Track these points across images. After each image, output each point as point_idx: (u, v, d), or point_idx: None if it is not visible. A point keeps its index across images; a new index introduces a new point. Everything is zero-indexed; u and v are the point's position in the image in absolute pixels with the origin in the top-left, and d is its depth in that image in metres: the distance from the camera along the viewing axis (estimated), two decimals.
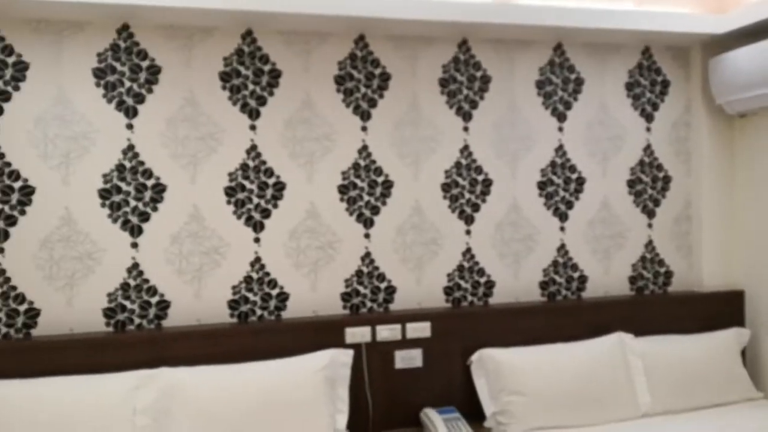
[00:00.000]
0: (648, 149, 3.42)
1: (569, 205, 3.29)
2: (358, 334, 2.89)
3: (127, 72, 2.75)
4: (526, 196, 3.23)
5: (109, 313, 2.74)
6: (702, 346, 3.08)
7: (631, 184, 3.39)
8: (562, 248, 3.29)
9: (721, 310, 3.35)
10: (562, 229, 3.28)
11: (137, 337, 2.69)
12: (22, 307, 2.66)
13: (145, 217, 2.76)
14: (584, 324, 3.17)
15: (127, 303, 2.76)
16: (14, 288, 2.65)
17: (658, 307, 3.30)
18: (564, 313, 3.18)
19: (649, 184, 3.41)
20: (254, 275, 2.89)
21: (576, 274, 3.32)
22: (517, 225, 3.22)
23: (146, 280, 2.78)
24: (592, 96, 3.32)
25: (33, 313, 2.67)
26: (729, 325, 3.31)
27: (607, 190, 3.34)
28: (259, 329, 2.81)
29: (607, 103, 3.35)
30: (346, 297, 3.01)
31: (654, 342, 3.10)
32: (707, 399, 2.99)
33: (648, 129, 3.42)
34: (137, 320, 2.78)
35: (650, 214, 3.42)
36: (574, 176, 3.29)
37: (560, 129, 3.28)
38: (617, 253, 3.37)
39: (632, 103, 3.39)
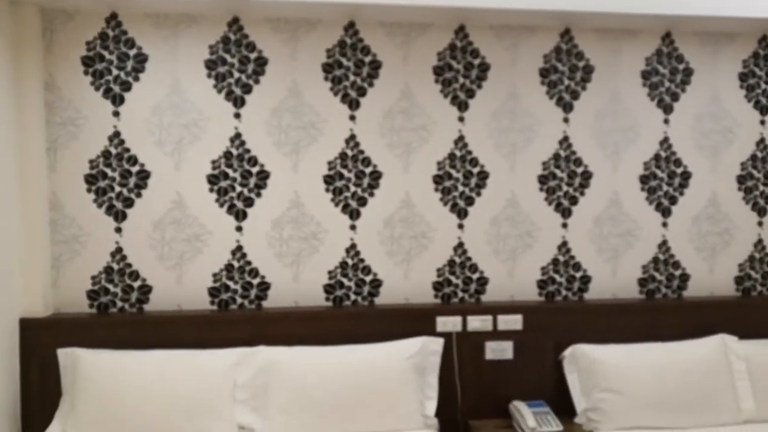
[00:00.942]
0: (762, 143, 3.22)
1: (672, 200, 3.16)
2: (449, 323, 2.91)
3: (236, 63, 2.87)
4: (627, 190, 3.13)
5: (214, 292, 2.90)
6: None
7: (741, 179, 3.20)
8: (663, 244, 3.16)
9: None
10: (664, 225, 3.16)
11: (239, 316, 2.83)
12: (136, 284, 2.85)
13: (249, 202, 2.89)
14: (686, 324, 3.04)
15: (230, 283, 2.90)
16: (130, 265, 2.85)
17: (765, 309, 3.12)
18: (664, 312, 3.06)
19: (761, 180, 3.22)
20: (349, 261, 2.96)
21: (678, 272, 3.18)
22: (617, 220, 3.12)
23: (249, 263, 2.91)
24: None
25: (146, 290, 2.86)
26: None
27: (715, 184, 3.18)
28: (353, 314, 2.89)
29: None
30: (437, 286, 3.04)
31: (759, 345, 2.94)
32: None
33: (762, 122, 3.22)
34: (239, 300, 2.92)
35: (761, 212, 3.23)
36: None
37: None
38: (723, 251, 3.21)
39: (745, 95, 3.20)
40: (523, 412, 2.80)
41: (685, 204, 3.16)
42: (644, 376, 2.79)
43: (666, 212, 3.15)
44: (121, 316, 2.81)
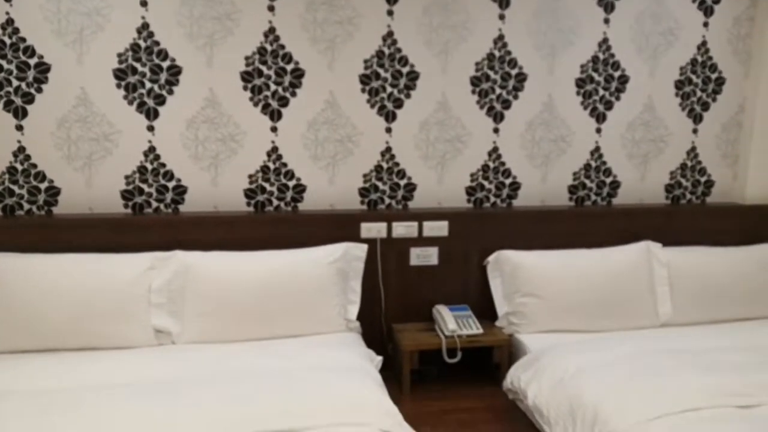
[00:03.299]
0: (703, 47, 3.11)
1: (608, 105, 3.07)
2: (373, 229, 2.85)
3: None
4: (563, 94, 3.02)
5: (127, 195, 2.77)
6: (734, 259, 2.93)
7: (679, 85, 3.12)
8: (596, 151, 3.10)
9: (761, 224, 3.16)
10: (598, 131, 3.08)
11: (154, 220, 2.72)
12: (43, 185, 2.70)
13: (160, 99, 2.71)
14: (613, 232, 3.05)
15: (144, 186, 2.77)
16: (34, 166, 2.68)
17: (694, 218, 3.13)
18: (592, 219, 3.05)
19: (699, 85, 3.14)
20: (271, 165, 2.84)
21: (609, 180, 3.15)
22: (550, 125, 3.03)
23: (163, 164, 2.76)
24: None
25: (53, 192, 2.71)
26: None
27: (652, 90, 3.09)
28: (275, 219, 2.80)
29: None
30: (364, 192, 2.95)
31: (682, 252, 2.96)
32: (732, 313, 2.88)
33: (705, 24, 3.10)
34: (155, 204, 2.80)
35: (697, 119, 3.17)
36: (616, 74, 3.04)
37: (606, 21, 3.00)
38: (656, 159, 3.17)
39: None
40: (445, 315, 2.81)
41: (621, 109, 3.08)
42: (566, 281, 2.80)
43: (600, 118, 3.07)
44: (29, 219, 2.67)
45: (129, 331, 2.50)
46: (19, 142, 2.64)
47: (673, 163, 3.19)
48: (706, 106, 3.16)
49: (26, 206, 2.70)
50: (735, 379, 2.10)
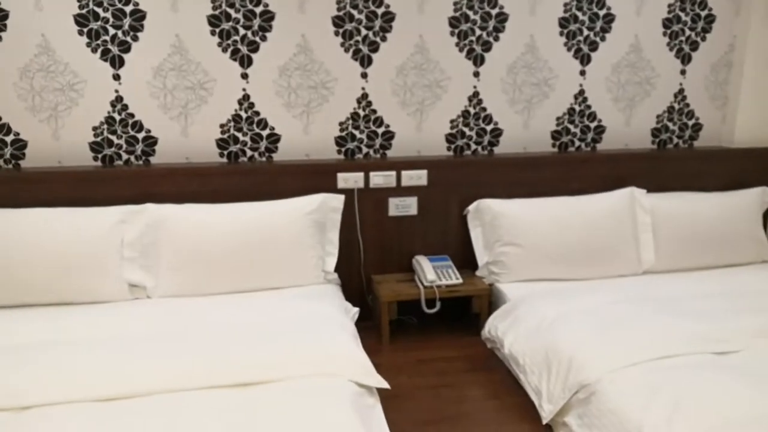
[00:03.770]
0: None
1: (593, 46, 2.95)
2: (350, 179, 2.78)
3: None
4: (545, 35, 2.90)
5: (96, 147, 2.69)
6: (720, 204, 2.87)
7: (667, 23, 2.99)
8: (580, 94, 3.01)
9: (750, 168, 3.09)
10: (582, 73, 2.98)
11: (124, 172, 2.64)
12: (9, 138, 2.62)
13: (125, 47, 2.60)
14: (597, 178, 2.98)
15: (113, 138, 2.69)
16: None
17: (680, 163, 3.05)
18: (576, 165, 2.97)
19: (688, 24, 3.01)
20: (243, 114, 2.75)
21: (593, 124, 3.06)
22: (533, 67, 2.92)
23: (131, 115, 2.67)
24: None
25: (20, 145, 2.63)
26: (757, 184, 3.07)
27: (638, 29, 2.97)
28: (249, 170, 2.72)
29: None
30: (340, 141, 2.87)
31: (667, 198, 2.89)
32: (717, 259, 2.84)
33: None
34: (125, 156, 2.72)
35: (685, 59, 3.06)
36: (602, 12, 2.92)
37: None
38: (642, 103, 3.07)
39: None
40: (424, 265, 2.77)
41: (606, 50, 2.97)
42: (547, 229, 2.75)
43: (585, 59, 2.96)
44: None
45: (102, 286, 2.46)
46: None
47: (660, 107, 3.09)
48: (695, 46, 3.04)
49: None
50: (712, 326, 2.07)
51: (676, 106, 3.10)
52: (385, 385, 1.91)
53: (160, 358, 1.89)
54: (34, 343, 2.04)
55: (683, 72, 3.06)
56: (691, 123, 3.15)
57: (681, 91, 3.09)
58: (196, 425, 1.58)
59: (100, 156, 2.70)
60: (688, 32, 3.02)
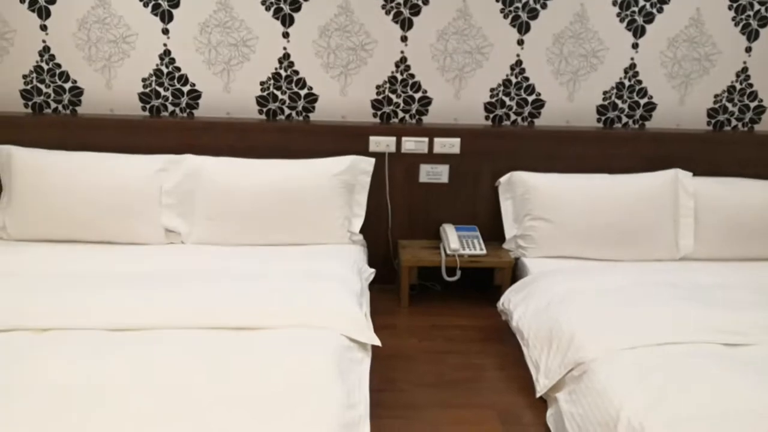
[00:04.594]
0: None
1: (649, 17, 2.79)
2: (382, 143, 2.80)
3: None
4: (597, 3, 2.77)
5: (144, 98, 2.83)
6: None
7: None
8: (631, 68, 2.86)
9: None
10: (634, 46, 2.83)
11: (168, 123, 2.78)
12: (67, 85, 2.81)
13: (174, 2, 2.70)
14: (643, 158, 2.85)
15: (160, 90, 2.82)
16: (59, 66, 2.78)
17: (737, 146, 2.87)
18: (620, 143, 2.85)
19: None
20: (282, 73, 2.81)
21: (643, 101, 2.91)
22: (581, 38, 2.81)
23: (177, 68, 2.79)
24: None
25: (77, 92, 2.82)
26: None
27: (700, 1, 2.77)
28: (284, 128, 2.80)
29: None
30: (377, 105, 2.88)
31: (714, 183, 2.73)
32: (761, 251, 2.66)
33: None
34: (171, 108, 2.85)
35: (752, 36, 2.83)
36: None
37: None
38: (699, 80, 2.89)
39: None
40: (449, 234, 2.77)
41: (663, 23, 2.79)
42: (580, 206, 2.67)
43: (638, 32, 2.80)
44: (54, 117, 2.80)
45: (141, 229, 2.63)
46: (44, 42, 2.74)
47: (720, 86, 2.89)
48: (764, 21, 2.81)
49: (53, 105, 2.83)
50: (729, 316, 1.97)
51: (738, 86, 2.90)
52: (376, 342, 1.95)
53: (171, 298, 2.02)
54: (67, 275, 2.22)
55: (748, 50, 2.85)
56: (753, 105, 2.93)
57: (744, 69, 2.87)
58: (176, 358, 1.69)
59: (148, 106, 2.85)
60: (757, 6, 2.79)
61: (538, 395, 2.01)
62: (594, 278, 2.32)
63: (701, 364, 1.72)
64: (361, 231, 2.78)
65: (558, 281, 2.32)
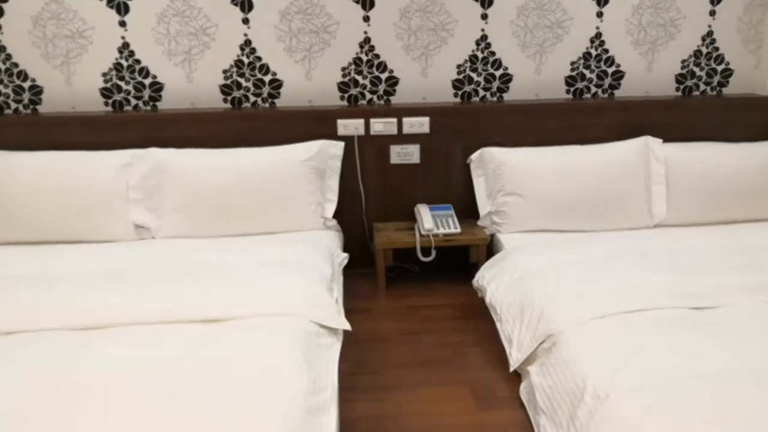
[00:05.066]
0: None
1: None
2: (350, 126, 2.77)
3: None
4: None
5: (106, 93, 2.79)
6: (741, 156, 2.67)
7: None
8: (597, 38, 2.84)
9: None
10: (599, 15, 2.80)
11: (132, 117, 2.73)
12: (26, 84, 2.75)
13: None
14: (614, 127, 2.84)
15: (122, 84, 2.78)
16: (16, 65, 2.72)
17: (706, 111, 2.85)
18: (590, 113, 2.83)
19: None
20: (245, 59, 2.77)
21: (611, 70, 2.89)
22: (545, 9, 2.78)
23: (138, 61, 2.74)
24: None
25: (36, 90, 2.76)
26: None
27: None
28: (250, 116, 2.76)
29: None
30: (343, 87, 2.84)
31: (684, 148, 2.72)
32: (733, 214, 2.66)
33: None
34: (134, 101, 2.81)
35: None
36: None
37: None
38: (666, 47, 2.87)
39: None
40: (423, 214, 2.76)
41: None
42: (552, 179, 2.65)
43: (602, 0, 2.78)
44: (16, 118, 2.74)
45: (110, 226, 2.59)
46: None
47: (686, 51, 2.88)
48: None
49: (13, 105, 2.78)
50: (695, 280, 1.96)
51: (704, 50, 2.88)
52: (346, 326, 1.94)
53: (139, 294, 1.98)
54: (35, 276, 2.18)
55: (712, 13, 2.82)
56: (720, 68, 2.92)
57: (710, 33, 2.85)
58: (142, 354, 1.67)
59: (110, 102, 2.80)
60: None
61: (511, 369, 2.01)
62: (565, 250, 2.31)
63: (667, 329, 1.72)
64: (337, 216, 2.76)
65: (529, 255, 2.31)
